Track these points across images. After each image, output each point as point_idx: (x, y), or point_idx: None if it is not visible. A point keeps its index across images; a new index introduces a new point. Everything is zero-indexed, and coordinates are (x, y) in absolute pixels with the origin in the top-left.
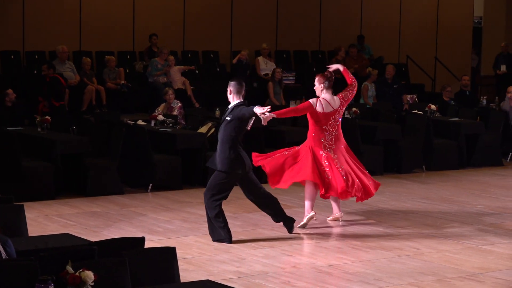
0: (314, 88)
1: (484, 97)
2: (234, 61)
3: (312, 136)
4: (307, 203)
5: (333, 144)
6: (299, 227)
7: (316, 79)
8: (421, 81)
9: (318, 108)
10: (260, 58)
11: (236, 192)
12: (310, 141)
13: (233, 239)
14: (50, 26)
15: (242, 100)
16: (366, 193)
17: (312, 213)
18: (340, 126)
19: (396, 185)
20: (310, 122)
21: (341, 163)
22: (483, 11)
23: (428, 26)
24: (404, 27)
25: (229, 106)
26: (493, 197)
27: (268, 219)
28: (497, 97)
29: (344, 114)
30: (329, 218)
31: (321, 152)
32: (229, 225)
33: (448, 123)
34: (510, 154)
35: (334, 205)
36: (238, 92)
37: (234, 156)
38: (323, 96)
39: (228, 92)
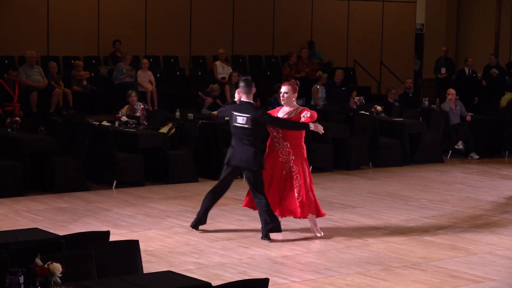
0: (287, 96)
1: (426, 98)
2: None
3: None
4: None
5: None
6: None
7: (289, 87)
8: (367, 84)
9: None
10: (217, 63)
11: (196, 188)
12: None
13: (193, 232)
14: (19, 32)
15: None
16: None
17: None
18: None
19: (345, 181)
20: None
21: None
22: (424, 18)
23: (373, 33)
24: (351, 33)
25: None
26: (434, 191)
27: (225, 213)
28: (437, 98)
29: None
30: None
31: None
32: (189, 219)
33: (392, 123)
34: (450, 151)
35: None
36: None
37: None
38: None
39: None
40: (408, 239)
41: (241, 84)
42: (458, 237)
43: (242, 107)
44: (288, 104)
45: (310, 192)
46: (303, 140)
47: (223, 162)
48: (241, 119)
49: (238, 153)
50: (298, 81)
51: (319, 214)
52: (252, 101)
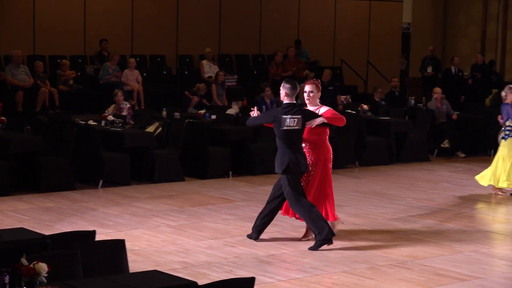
0: (312, 95)
1: (412, 97)
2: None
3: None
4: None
5: None
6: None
7: (313, 86)
8: (354, 83)
9: None
10: (204, 62)
11: (182, 187)
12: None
13: (179, 231)
14: (5, 31)
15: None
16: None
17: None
18: None
19: None
20: (324, 130)
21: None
22: (411, 18)
23: (360, 32)
24: (338, 32)
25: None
26: (420, 190)
27: (212, 212)
28: (424, 97)
29: None
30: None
31: None
32: (175, 218)
33: (379, 122)
34: (436, 150)
35: None
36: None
37: None
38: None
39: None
40: (394, 237)
41: (288, 85)
42: (443, 235)
43: (289, 109)
44: (312, 103)
45: (318, 196)
46: (326, 140)
47: (210, 160)
48: (292, 122)
49: (299, 158)
50: (319, 80)
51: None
52: (295, 102)
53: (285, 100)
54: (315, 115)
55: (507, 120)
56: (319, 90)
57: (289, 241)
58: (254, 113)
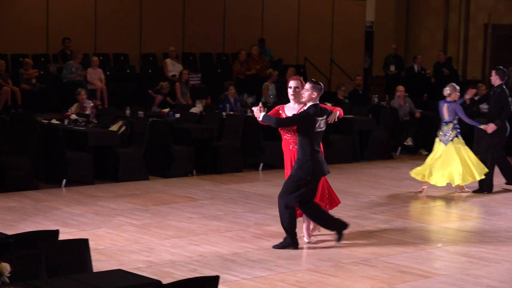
0: (297, 91)
1: (375, 95)
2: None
3: None
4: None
5: None
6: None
7: (298, 82)
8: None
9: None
10: (168, 60)
11: (146, 186)
12: None
13: (143, 230)
14: None
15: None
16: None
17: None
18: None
19: None
20: None
21: None
22: (374, 16)
23: (324, 31)
24: (302, 31)
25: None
26: (384, 188)
27: (176, 210)
28: (387, 95)
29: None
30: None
31: None
32: (139, 217)
33: (342, 120)
34: (399, 148)
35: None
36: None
37: None
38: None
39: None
40: (357, 235)
41: (319, 86)
42: (407, 232)
43: (320, 111)
44: (297, 99)
45: None
46: None
47: (173, 159)
48: (323, 123)
49: (320, 160)
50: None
51: None
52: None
53: (312, 101)
54: (330, 111)
55: (454, 118)
56: (303, 86)
57: (253, 239)
58: (259, 109)
